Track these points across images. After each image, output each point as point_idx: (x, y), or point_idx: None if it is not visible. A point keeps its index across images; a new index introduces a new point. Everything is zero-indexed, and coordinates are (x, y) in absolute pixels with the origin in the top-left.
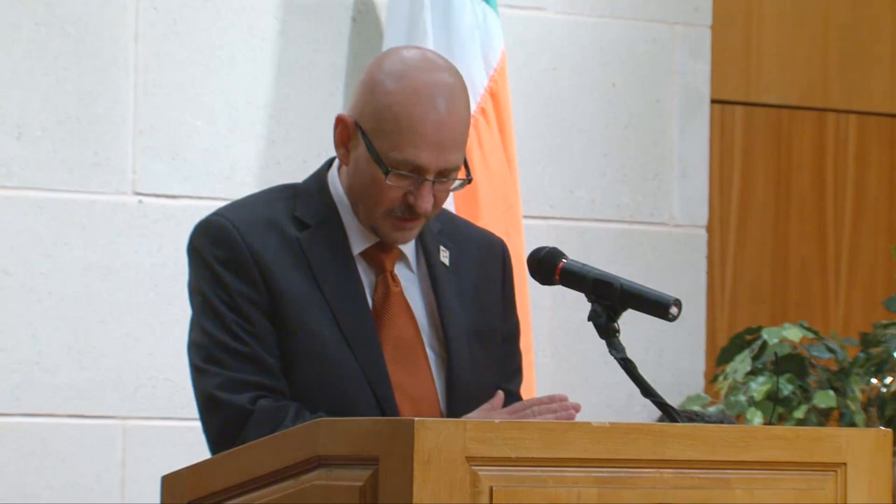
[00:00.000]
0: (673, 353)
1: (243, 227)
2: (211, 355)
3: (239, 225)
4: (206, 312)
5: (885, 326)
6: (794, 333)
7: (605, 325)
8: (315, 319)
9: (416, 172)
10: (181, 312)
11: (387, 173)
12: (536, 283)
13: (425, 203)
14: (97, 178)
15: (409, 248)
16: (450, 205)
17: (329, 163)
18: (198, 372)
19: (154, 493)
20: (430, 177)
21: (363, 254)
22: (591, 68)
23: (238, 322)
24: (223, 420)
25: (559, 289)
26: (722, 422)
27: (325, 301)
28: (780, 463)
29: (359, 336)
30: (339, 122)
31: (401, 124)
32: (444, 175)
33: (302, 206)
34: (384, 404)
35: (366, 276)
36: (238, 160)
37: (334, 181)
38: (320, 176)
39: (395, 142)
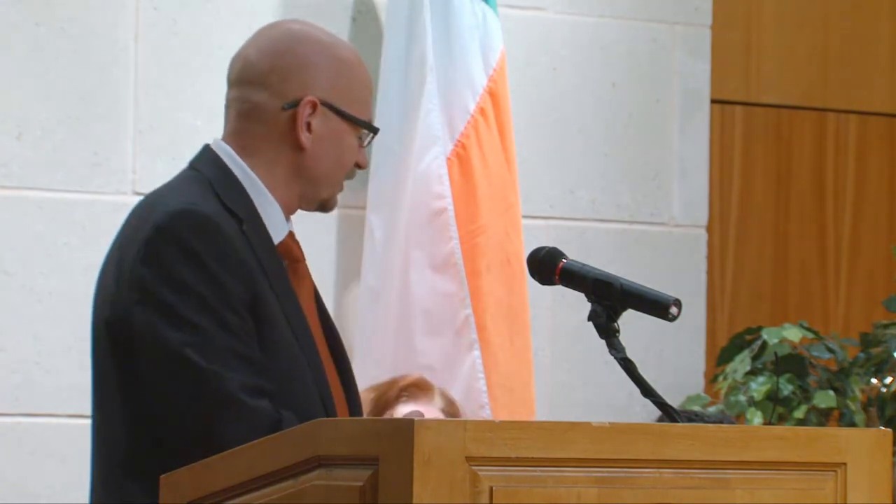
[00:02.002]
0: (673, 353)
1: (222, 221)
2: (217, 356)
3: (219, 218)
4: (200, 309)
5: (885, 326)
6: (794, 333)
7: (605, 325)
8: (276, 320)
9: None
10: None
11: (376, 133)
12: (536, 283)
13: (366, 157)
14: (97, 178)
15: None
16: (449, 205)
17: (210, 156)
18: (199, 372)
19: None
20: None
21: (280, 244)
22: (591, 68)
23: (236, 322)
24: (248, 427)
25: (559, 289)
26: (722, 422)
27: (276, 299)
28: (780, 463)
29: (302, 336)
30: (308, 104)
31: (366, 86)
32: None
33: (225, 197)
34: (326, 403)
35: (283, 271)
36: None
37: (244, 171)
38: (217, 163)
39: (365, 103)
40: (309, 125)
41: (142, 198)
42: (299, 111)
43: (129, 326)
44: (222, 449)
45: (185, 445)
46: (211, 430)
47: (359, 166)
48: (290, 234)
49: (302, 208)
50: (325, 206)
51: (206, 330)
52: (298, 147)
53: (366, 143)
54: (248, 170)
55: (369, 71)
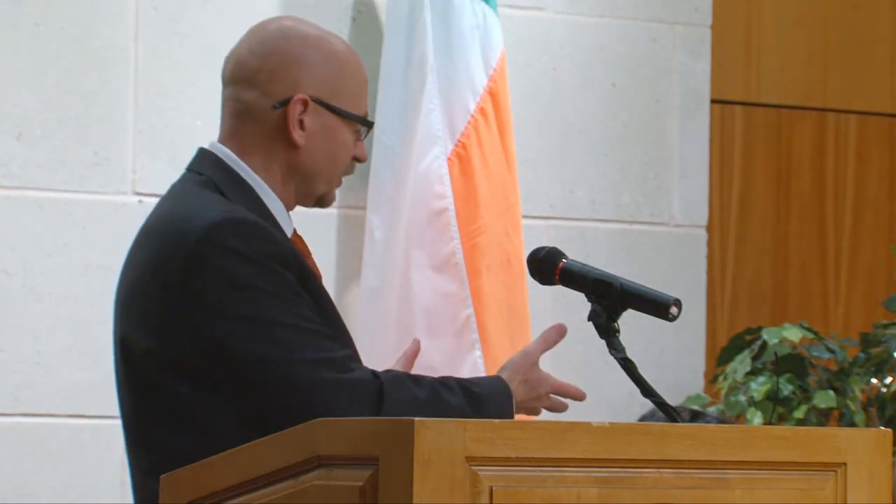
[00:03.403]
0: (673, 353)
1: (263, 223)
2: (302, 344)
3: (259, 220)
4: (272, 306)
5: (885, 326)
6: (794, 333)
7: (605, 325)
8: (325, 302)
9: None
10: None
11: (369, 127)
12: (536, 283)
13: (365, 151)
14: (97, 178)
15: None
16: (450, 205)
17: (211, 158)
18: (289, 364)
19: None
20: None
21: (290, 237)
22: (591, 68)
23: (305, 305)
24: (359, 399)
25: (559, 289)
26: (722, 422)
27: (321, 290)
28: (780, 463)
29: (340, 331)
30: (298, 102)
31: (359, 80)
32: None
33: (234, 198)
34: None
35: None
36: None
37: (246, 171)
38: (219, 164)
39: (358, 98)
40: (301, 123)
41: (150, 217)
42: (290, 109)
43: (208, 345)
44: None
45: None
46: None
47: (357, 160)
48: (295, 231)
49: (300, 204)
50: (322, 202)
51: (284, 323)
52: (292, 145)
53: (363, 136)
54: (249, 170)
55: (365, 67)
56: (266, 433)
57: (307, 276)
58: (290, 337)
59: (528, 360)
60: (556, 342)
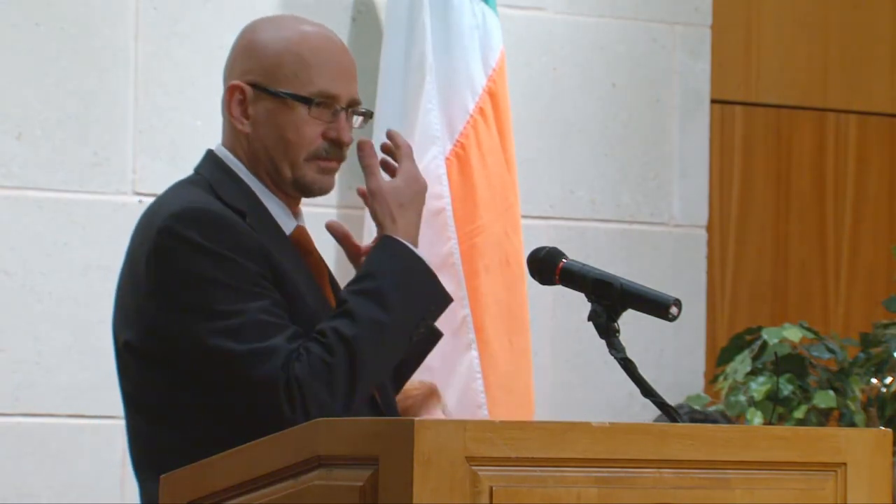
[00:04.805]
0: (673, 353)
1: (224, 213)
2: (251, 333)
3: (219, 210)
4: (223, 296)
5: (885, 326)
6: (794, 333)
7: (605, 325)
8: (298, 295)
9: (333, 101)
10: None
11: (310, 104)
12: (536, 283)
13: (347, 133)
14: (97, 178)
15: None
16: (448, 205)
17: (212, 159)
18: (237, 359)
19: None
20: (343, 105)
21: (290, 235)
22: (591, 68)
23: (259, 294)
24: (268, 363)
25: (559, 289)
26: (722, 422)
27: (294, 277)
28: (780, 463)
29: (323, 311)
30: (234, 89)
31: (306, 60)
32: (353, 106)
33: (225, 195)
34: None
35: (300, 259)
36: None
37: (238, 166)
38: (219, 165)
39: (305, 77)
40: (245, 110)
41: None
42: (226, 98)
43: (163, 335)
44: (334, 394)
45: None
46: (307, 395)
47: (332, 140)
48: (300, 229)
49: (288, 193)
50: (304, 188)
51: (233, 313)
52: (242, 133)
53: (337, 115)
54: (245, 168)
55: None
56: (234, 424)
57: (278, 271)
58: (237, 328)
59: (387, 188)
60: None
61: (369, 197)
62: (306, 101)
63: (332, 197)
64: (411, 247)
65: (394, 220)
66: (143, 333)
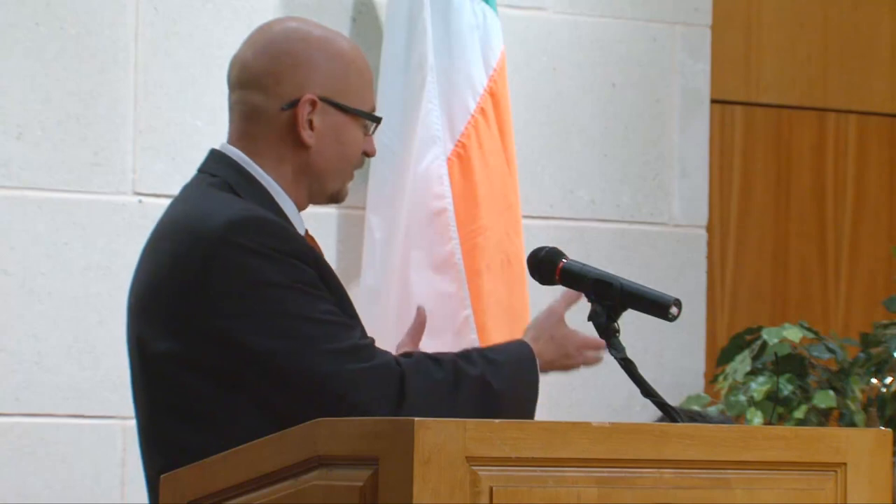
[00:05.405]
0: (673, 353)
1: (281, 221)
2: (323, 336)
3: (276, 218)
4: (292, 301)
5: (885, 326)
6: (794, 333)
7: (605, 325)
8: (344, 295)
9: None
10: None
11: (377, 122)
12: (536, 283)
13: (374, 145)
14: (97, 178)
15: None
16: (449, 205)
17: (223, 159)
18: (312, 357)
19: None
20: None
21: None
22: (591, 68)
23: (328, 303)
24: (380, 385)
25: (559, 289)
26: (722, 422)
27: (339, 288)
28: (780, 463)
29: (358, 323)
30: (309, 103)
31: (364, 77)
32: None
33: (251, 200)
34: None
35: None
36: None
37: (259, 172)
38: (232, 166)
39: (365, 94)
40: (311, 123)
41: (163, 218)
42: (299, 111)
43: (226, 343)
44: (379, 411)
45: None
46: (353, 404)
47: (367, 154)
48: (307, 231)
49: (313, 202)
50: (335, 199)
51: (305, 318)
52: (303, 145)
53: (371, 131)
54: (261, 171)
55: (367, 61)
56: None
57: (326, 272)
58: (311, 330)
59: (553, 318)
60: (577, 299)
61: (550, 313)
62: (376, 119)
63: None
64: (538, 363)
65: (536, 340)
66: (196, 342)
